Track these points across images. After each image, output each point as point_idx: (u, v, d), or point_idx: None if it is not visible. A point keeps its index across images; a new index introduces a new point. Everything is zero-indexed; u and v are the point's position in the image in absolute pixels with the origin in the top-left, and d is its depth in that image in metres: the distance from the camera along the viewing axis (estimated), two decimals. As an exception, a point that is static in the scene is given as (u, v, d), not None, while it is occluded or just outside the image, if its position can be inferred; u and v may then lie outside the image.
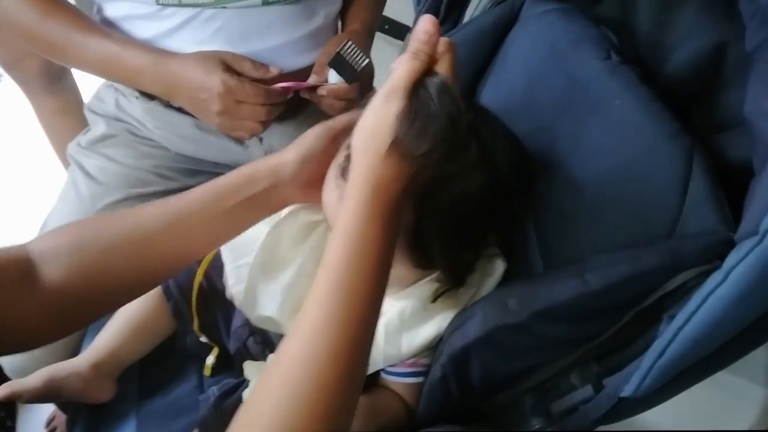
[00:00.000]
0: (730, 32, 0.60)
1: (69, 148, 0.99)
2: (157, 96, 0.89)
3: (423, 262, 0.59)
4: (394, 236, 0.48)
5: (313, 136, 0.64)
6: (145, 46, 0.82)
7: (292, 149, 0.63)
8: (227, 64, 0.79)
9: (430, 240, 0.56)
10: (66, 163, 1.48)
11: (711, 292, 0.38)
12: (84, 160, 0.95)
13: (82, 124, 1.47)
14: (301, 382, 0.41)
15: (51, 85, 1.33)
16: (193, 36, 0.83)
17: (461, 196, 0.54)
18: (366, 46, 0.91)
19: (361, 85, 0.82)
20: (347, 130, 0.61)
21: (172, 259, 0.58)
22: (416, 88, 0.47)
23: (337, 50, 0.77)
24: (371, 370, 0.65)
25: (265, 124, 0.83)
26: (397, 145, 0.46)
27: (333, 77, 0.80)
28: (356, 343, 0.44)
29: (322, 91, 0.82)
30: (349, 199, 0.47)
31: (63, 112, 1.41)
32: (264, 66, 0.82)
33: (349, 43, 0.77)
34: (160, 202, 0.59)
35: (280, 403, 0.41)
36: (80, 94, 1.41)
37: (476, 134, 0.55)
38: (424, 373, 0.66)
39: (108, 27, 0.85)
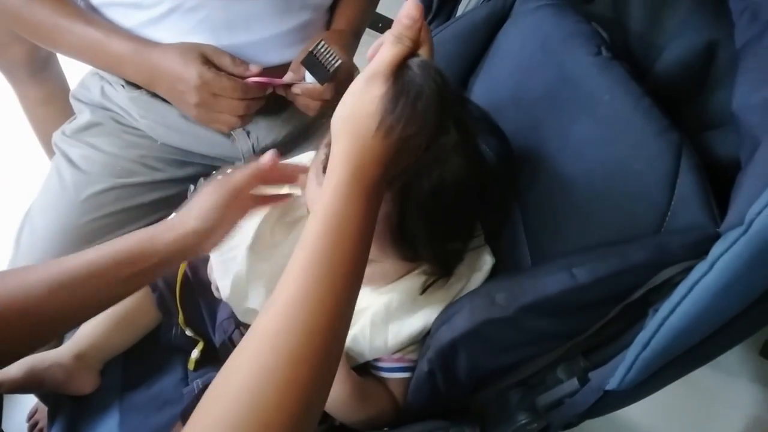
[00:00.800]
0: (720, 32, 0.61)
1: (54, 136, 0.98)
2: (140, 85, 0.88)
3: (409, 254, 0.59)
4: (374, 218, 0.48)
5: (213, 200, 0.62)
6: (129, 35, 0.82)
7: (194, 217, 0.62)
8: (207, 57, 0.80)
9: (414, 230, 0.55)
10: (51, 154, 1.47)
11: (696, 283, 0.38)
12: (68, 149, 0.94)
13: (68, 114, 1.44)
14: (273, 355, 0.40)
15: (36, 74, 1.31)
16: (176, 26, 0.82)
17: (442, 182, 0.54)
18: (349, 47, 0.90)
19: (337, 85, 0.81)
20: (248, 187, 0.65)
21: (55, 324, 0.56)
22: (400, 71, 0.47)
23: (310, 50, 0.77)
24: (358, 361, 0.65)
25: (244, 119, 0.82)
26: (384, 128, 0.45)
27: (309, 77, 0.80)
28: (332, 318, 0.43)
29: (296, 90, 0.82)
30: (330, 178, 0.47)
31: (48, 102, 1.38)
32: (244, 63, 0.82)
33: (322, 43, 0.77)
34: (49, 263, 0.56)
35: (251, 376, 0.39)
36: (67, 84, 1.39)
37: (454, 118, 0.55)
38: (411, 369, 0.65)
39: (92, 13, 0.84)
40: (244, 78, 0.81)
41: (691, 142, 0.54)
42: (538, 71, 0.67)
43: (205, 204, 0.62)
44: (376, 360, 0.66)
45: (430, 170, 0.53)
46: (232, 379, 0.40)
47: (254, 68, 0.82)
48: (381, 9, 1.07)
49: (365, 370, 0.67)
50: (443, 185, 0.54)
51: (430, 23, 0.87)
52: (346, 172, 0.46)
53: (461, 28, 0.78)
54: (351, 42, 0.92)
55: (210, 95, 0.78)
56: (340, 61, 0.77)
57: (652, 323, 0.42)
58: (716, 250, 0.38)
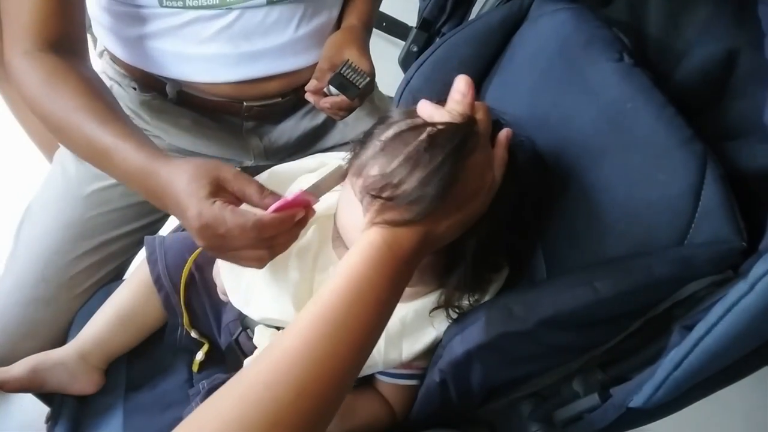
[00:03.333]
0: (741, 40, 0.60)
1: None
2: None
3: (445, 282, 0.59)
4: (399, 290, 0.47)
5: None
6: (140, 143, 0.68)
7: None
8: (220, 185, 0.62)
9: (460, 266, 0.56)
10: (45, 151, 1.44)
11: (735, 303, 0.37)
12: None
13: None
14: (255, 407, 0.38)
15: None
16: (194, 35, 0.81)
17: (495, 229, 0.55)
18: (365, 42, 0.89)
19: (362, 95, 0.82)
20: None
21: None
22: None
23: (338, 71, 0.77)
24: (370, 371, 0.64)
25: (275, 250, 0.61)
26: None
27: (334, 89, 0.80)
28: (327, 382, 0.40)
29: (325, 104, 0.81)
30: (364, 237, 0.45)
31: None
32: (273, 194, 0.62)
33: (349, 62, 0.77)
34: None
35: (226, 424, 0.37)
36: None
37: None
38: (418, 376, 0.65)
39: (112, 18, 0.82)
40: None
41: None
42: (556, 76, 0.66)
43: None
44: None
45: (482, 222, 0.53)
46: (207, 419, 0.38)
47: (270, 199, 0.61)
48: (385, 9, 1.06)
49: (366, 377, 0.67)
50: (495, 224, 0.54)
51: (442, 25, 0.86)
52: (380, 238, 0.45)
53: (476, 30, 0.76)
54: (365, 37, 0.91)
55: (216, 236, 0.60)
56: (368, 79, 0.78)
57: (685, 343, 0.41)
58: (757, 270, 0.37)
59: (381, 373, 0.65)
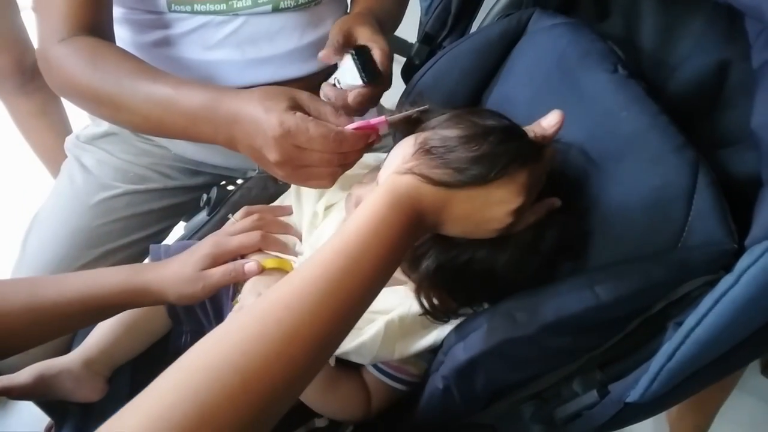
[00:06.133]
0: (732, 52, 0.62)
1: (67, 141, 0.99)
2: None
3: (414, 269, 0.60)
4: (409, 241, 0.49)
5: (200, 258, 0.68)
6: (201, 84, 0.69)
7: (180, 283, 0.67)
8: (297, 102, 0.63)
9: (425, 258, 0.57)
10: (49, 163, 1.46)
11: (722, 295, 0.39)
12: (81, 154, 0.95)
13: (62, 124, 1.43)
14: (276, 324, 0.40)
15: (24, 85, 1.27)
16: (201, 41, 0.83)
17: (493, 257, 0.57)
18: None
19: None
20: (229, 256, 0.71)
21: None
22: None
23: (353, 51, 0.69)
24: (361, 361, 0.65)
25: (346, 168, 0.65)
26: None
27: (344, 80, 0.72)
28: (340, 310, 0.43)
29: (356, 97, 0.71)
30: (393, 180, 0.48)
31: (40, 114, 1.35)
32: (345, 116, 0.65)
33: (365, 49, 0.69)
34: (31, 285, 0.63)
35: (251, 335, 0.40)
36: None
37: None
38: (406, 383, 0.65)
39: (121, 28, 0.84)
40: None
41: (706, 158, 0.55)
42: (554, 88, 0.68)
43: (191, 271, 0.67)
44: None
45: (482, 247, 0.56)
46: (231, 330, 0.41)
47: (344, 119, 0.65)
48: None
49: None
50: (489, 268, 0.57)
51: (444, 39, 0.88)
52: (405, 187, 0.48)
53: (476, 43, 0.78)
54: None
55: (293, 148, 0.60)
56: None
57: (677, 335, 0.42)
58: (742, 263, 0.38)
59: (374, 366, 0.66)
